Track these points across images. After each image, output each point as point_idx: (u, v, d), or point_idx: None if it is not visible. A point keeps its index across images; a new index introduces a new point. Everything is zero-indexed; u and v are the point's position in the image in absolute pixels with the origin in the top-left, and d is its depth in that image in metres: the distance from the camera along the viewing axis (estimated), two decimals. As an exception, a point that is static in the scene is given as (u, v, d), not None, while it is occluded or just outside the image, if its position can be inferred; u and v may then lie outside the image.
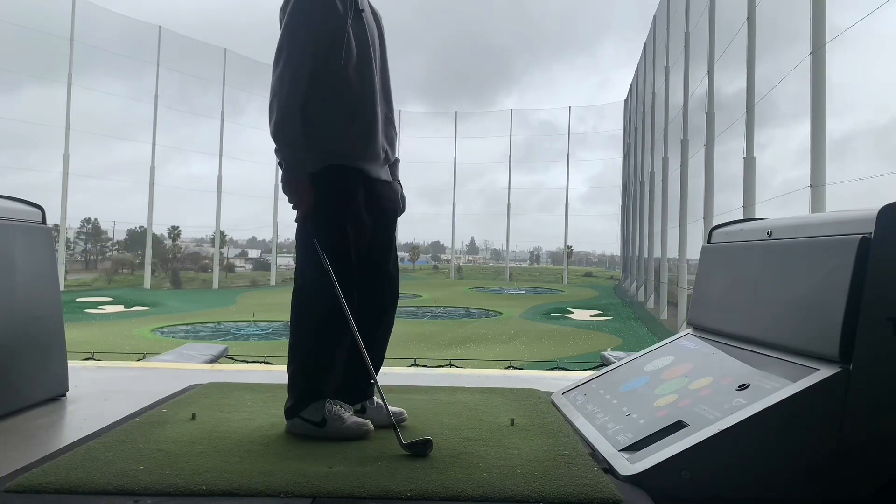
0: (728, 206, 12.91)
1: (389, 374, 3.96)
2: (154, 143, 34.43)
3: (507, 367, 8.67)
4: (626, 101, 41.51)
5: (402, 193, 2.76)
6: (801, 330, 2.16)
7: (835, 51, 7.91)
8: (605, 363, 8.05)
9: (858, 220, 2.04)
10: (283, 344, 2.55)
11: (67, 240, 38.14)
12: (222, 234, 41.88)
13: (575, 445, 2.31)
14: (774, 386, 2.04)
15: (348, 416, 2.44)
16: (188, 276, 41.67)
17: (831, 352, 1.98)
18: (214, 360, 9.30)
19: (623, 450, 2.13)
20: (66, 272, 33.87)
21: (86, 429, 2.47)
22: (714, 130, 14.34)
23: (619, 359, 3.51)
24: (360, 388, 2.62)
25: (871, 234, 1.96)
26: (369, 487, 1.87)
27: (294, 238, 2.57)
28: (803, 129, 8.41)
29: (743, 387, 2.15)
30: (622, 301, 31.28)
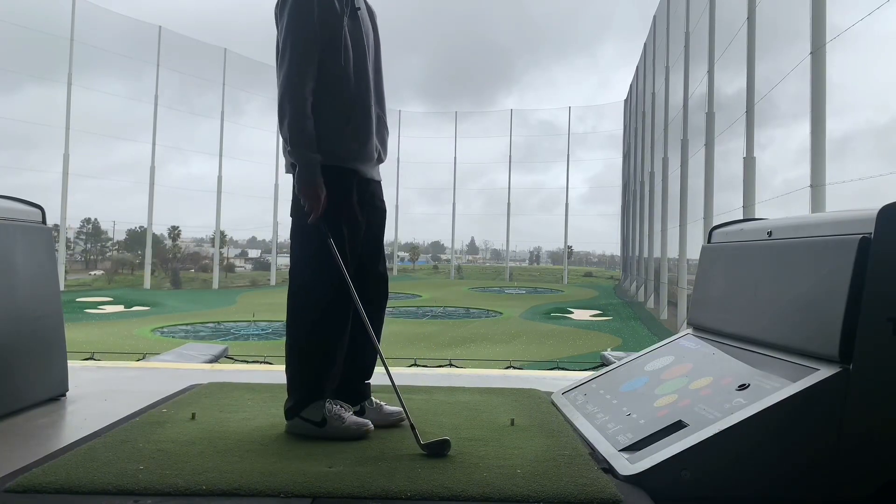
0: (728, 206, 12.92)
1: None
2: (154, 143, 34.44)
3: (507, 367, 8.67)
4: (625, 101, 41.51)
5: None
6: (801, 330, 2.16)
7: (835, 51, 7.91)
8: (605, 363, 8.06)
9: (858, 220, 2.04)
10: (284, 344, 2.54)
11: (67, 240, 38.14)
12: (222, 234, 41.88)
13: (575, 445, 2.31)
14: (774, 386, 2.04)
15: (348, 415, 2.44)
16: (188, 276, 41.68)
17: (831, 352, 1.98)
18: (214, 360, 9.30)
19: (623, 450, 2.13)
20: (66, 272, 33.87)
21: (86, 429, 2.47)
22: (714, 130, 14.34)
23: (619, 359, 3.51)
24: (358, 389, 2.62)
25: (871, 234, 1.96)
26: (369, 487, 1.87)
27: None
28: (803, 129, 8.42)
29: (743, 387, 2.15)
30: (622, 301, 31.28)
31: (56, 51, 30.59)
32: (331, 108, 2.43)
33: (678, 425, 2.11)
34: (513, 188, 50.20)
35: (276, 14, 2.48)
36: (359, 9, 2.55)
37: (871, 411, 1.93)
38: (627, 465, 2.01)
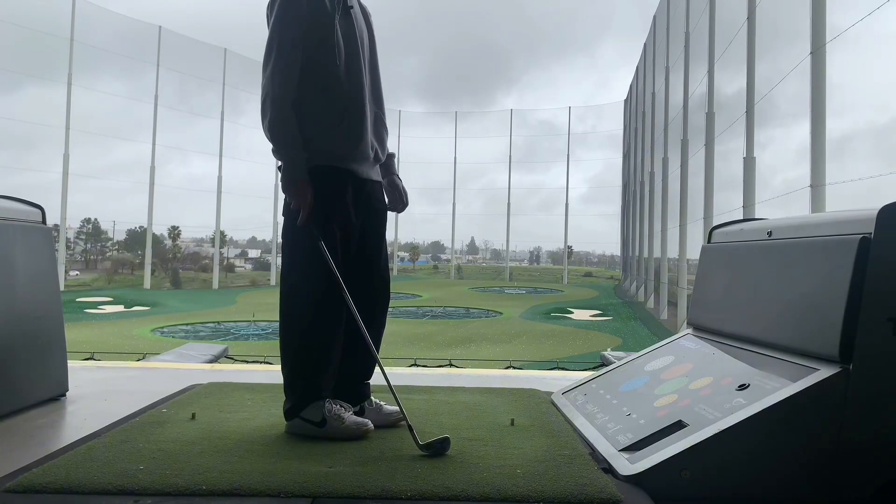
0: (728, 206, 12.92)
1: (389, 374, 3.96)
2: (154, 143, 34.45)
3: (507, 367, 8.67)
4: (625, 101, 41.52)
5: (402, 187, 2.72)
6: (801, 330, 2.16)
7: (835, 51, 7.91)
8: (605, 363, 8.06)
9: (858, 220, 2.04)
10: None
11: (67, 240, 38.14)
12: (222, 234, 41.90)
13: (575, 445, 2.31)
14: (774, 386, 2.04)
15: (348, 415, 2.44)
16: (188, 276, 41.68)
17: (831, 352, 1.98)
18: (214, 360, 9.31)
19: (623, 450, 2.13)
20: (66, 272, 33.86)
21: (86, 429, 2.47)
22: (714, 130, 14.34)
23: (619, 359, 3.51)
24: (358, 389, 2.62)
25: (871, 234, 1.96)
26: (369, 487, 1.87)
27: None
28: (803, 129, 8.42)
29: (743, 387, 2.15)
30: (622, 301, 31.29)
31: (56, 51, 30.60)
32: (323, 107, 2.42)
33: (678, 425, 2.11)
34: (513, 188, 50.25)
35: (266, 13, 2.46)
36: (351, 7, 2.53)
37: (871, 411, 1.93)
38: (627, 465, 2.01)
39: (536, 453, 2.22)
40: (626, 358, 3.15)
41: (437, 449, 2.19)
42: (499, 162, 51.86)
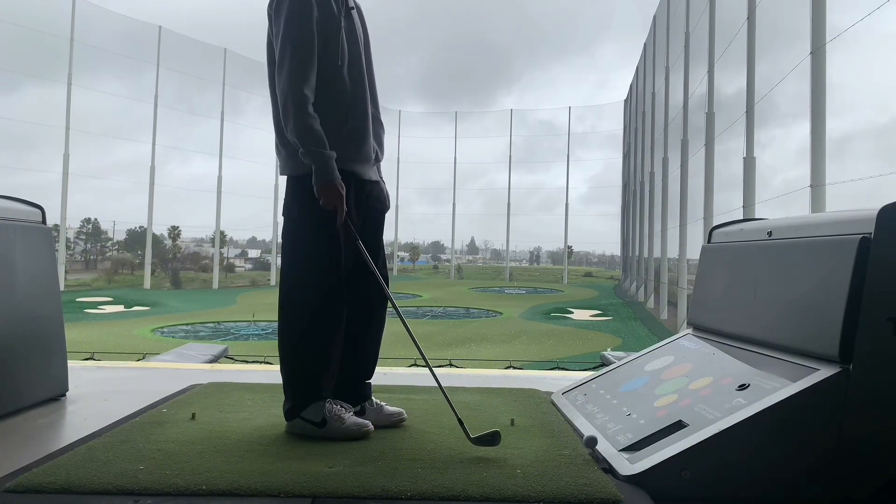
0: (728, 206, 12.91)
1: (389, 374, 3.96)
2: (154, 143, 34.43)
3: (507, 367, 8.66)
4: (625, 101, 41.50)
5: (386, 191, 2.74)
6: (801, 330, 2.16)
7: (835, 51, 7.91)
8: (605, 363, 8.06)
9: (858, 220, 2.04)
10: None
11: (67, 240, 38.14)
12: (222, 234, 41.86)
13: (575, 445, 2.31)
14: (774, 386, 2.04)
15: (348, 416, 2.44)
16: (188, 276, 41.66)
17: (831, 352, 1.98)
18: (214, 360, 9.30)
19: (623, 450, 2.13)
20: (66, 272, 33.87)
21: (86, 429, 2.47)
22: (714, 130, 14.33)
23: (619, 359, 3.51)
24: (359, 389, 2.62)
25: (871, 234, 1.96)
26: (369, 487, 1.87)
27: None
28: (803, 129, 8.42)
29: (743, 387, 2.15)
30: (622, 301, 31.27)
31: (56, 51, 30.57)
32: (328, 109, 2.42)
33: (678, 425, 2.11)
34: (513, 188, 50.20)
35: (270, 13, 2.44)
36: (353, 8, 2.53)
37: (871, 411, 1.93)
38: (627, 465, 2.01)
39: (536, 453, 2.22)
40: (626, 358, 3.15)
41: (489, 443, 2.22)
42: (499, 162, 51.85)
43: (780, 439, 1.93)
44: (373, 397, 2.63)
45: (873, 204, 1.99)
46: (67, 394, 3.08)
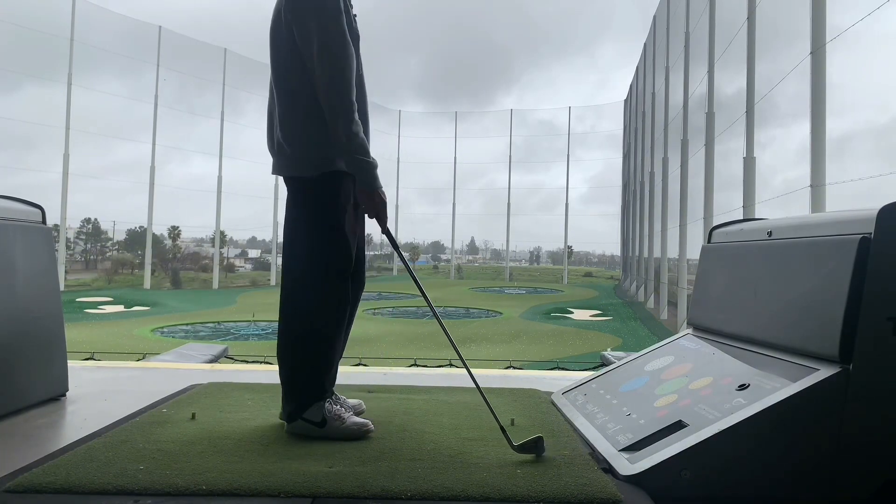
0: (728, 206, 12.91)
1: (390, 374, 3.96)
2: (154, 143, 34.43)
3: (507, 367, 8.66)
4: (625, 101, 41.50)
5: None
6: (801, 330, 2.16)
7: (835, 51, 7.91)
8: (605, 363, 8.05)
9: (858, 220, 2.04)
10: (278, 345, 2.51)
11: (67, 240, 38.14)
12: (222, 234, 41.87)
13: (575, 445, 2.31)
14: (774, 386, 2.04)
15: (348, 416, 2.44)
16: (188, 276, 41.65)
17: (831, 352, 1.98)
18: (214, 360, 9.28)
19: (623, 450, 2.13)
20: (66, 272, 33.87)
21: (86, 429, 2.47)
22: (714, 130, 14.33)
23: (619, 359, 3.51)
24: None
25: (871, 234, 1.96)
26: (369, 487, 1.87)
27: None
28: (803, 129, 8.42)
29: (743, 387, 2.15)
30: (622, 301, 31.27)
31: (56, 51, 30.58)
32: None
33: (678, 425, 2.11)
34: (513, 188, 50.21)
35: (293, 8, 2.35)
36: (355, 15, 2.52)
37: (870, 411, 1.93)
38: (627, 465, 2.01)
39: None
40: (626, 358, 3.15)
41: (533, 450, 2.18)
42: (499, 162, 51.85)
43: (779, 439, 1.93)
44: (333, 390, 2.58)
45: (873, 204, 1.99)
46: (67, 394, 3.08)
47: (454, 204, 50.81)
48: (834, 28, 7.96)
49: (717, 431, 1.94)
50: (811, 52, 8.11)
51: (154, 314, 24.19)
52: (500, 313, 25.93)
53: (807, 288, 2.18)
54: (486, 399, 2.36)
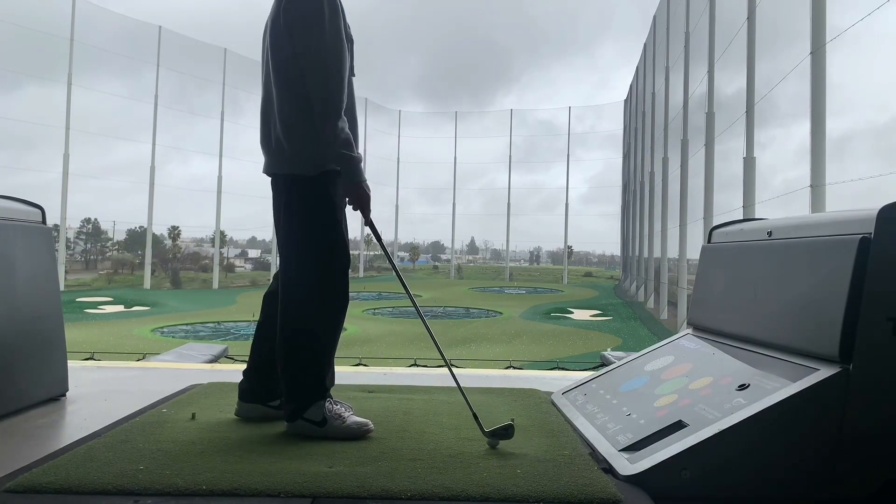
0: (728, 206, 12.91)
1: (390, 375, 3.96)
2: (154, 143, 34.42)
3: (507, 367, 8.66)
4: (625, 101, 41.49)
5: None
6: (801, 330, 2.16)
7: (835, 51, 7.90)
8: (605, 363, 8.05)
9: (858, 220, 2.04)
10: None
11: (67, 240, 38.14)
12: (222, 234, 41.87)
13: (575, 445, 2.31)
14: (774, 386, 2.04)
15: (348, 415, 2.44)
16: (188, 276, 41.64)
17: (831, 352, 1.98)
18: (214, 360, 9.27)
19: (623, 450, 2.13)
20: (66, 272, 33.87)
21: (86, 429, 2.47)
22: (714, 130, 14.33)
23: (619, 359, 3.51)
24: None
25: (871, 234, 1.96)
26: (369, 487, 1.87)
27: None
28: (803, 129, 8.42)
29: (743, 387, 2.15)
30: (622, 301, 31.27)
31: (56, 51, 30.57)
32: None
33: (678, 425, 2.11)
34: (513, 188, 50.18)
35: (280, 6, 2.40)
36: (346, 16, 2.54)
37: (870, 411, 1.93)
38: (627, 465, 2.01)
39: (536, 453, 2.22)
40: (626, 358, 3.15)
41: (502, 435, 2.27)
42: (499, 162, 51.81)
43: (779, 439, 1.93)
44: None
45: (873, 204, 1.99)
46: (67, 394, 3.08)
47: (454, 204, 50.80)
48: (834, 28, 7.96)
49: (717, 431, 1.94)
50: (811, 52, 8.11)
51: (154, 314, 24.19)
52: (500, 313, 25.92)
53: (807, 288, 2.18)
54: (459, 383, 2.52)
